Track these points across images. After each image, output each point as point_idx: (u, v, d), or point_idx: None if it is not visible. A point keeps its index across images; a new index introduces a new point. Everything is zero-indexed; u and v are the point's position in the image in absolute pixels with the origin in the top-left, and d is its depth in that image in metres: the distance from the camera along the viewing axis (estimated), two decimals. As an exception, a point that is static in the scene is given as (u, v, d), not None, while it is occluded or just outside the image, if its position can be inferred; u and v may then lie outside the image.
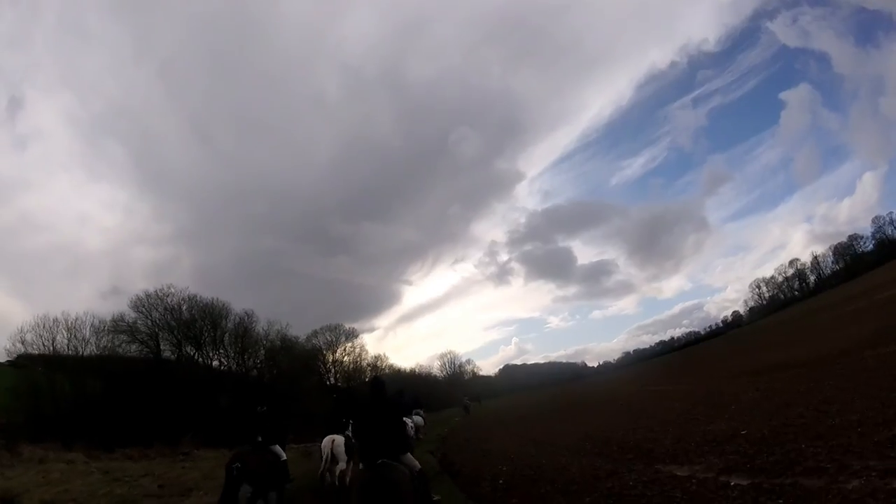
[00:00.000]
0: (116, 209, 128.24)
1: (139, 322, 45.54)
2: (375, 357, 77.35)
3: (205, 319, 49.92)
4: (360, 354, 71.71)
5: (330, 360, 66.59)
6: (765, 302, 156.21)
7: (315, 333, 67.00)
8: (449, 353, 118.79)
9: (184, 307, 48.57)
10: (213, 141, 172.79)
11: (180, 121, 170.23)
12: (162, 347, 46.47)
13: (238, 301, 56.38)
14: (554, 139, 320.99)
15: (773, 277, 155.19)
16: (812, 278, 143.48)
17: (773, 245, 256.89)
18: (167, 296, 47.97)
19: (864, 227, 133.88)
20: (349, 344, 69.16)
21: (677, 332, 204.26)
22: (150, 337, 45.52)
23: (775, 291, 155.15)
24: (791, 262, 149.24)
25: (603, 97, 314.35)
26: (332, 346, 67.24)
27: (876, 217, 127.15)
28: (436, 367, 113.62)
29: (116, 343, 43.26)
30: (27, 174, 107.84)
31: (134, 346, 44.74)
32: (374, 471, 7.24)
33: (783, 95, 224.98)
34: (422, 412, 33.88)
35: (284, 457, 12.05)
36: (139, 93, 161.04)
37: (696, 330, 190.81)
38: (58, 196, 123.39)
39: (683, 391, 26.75)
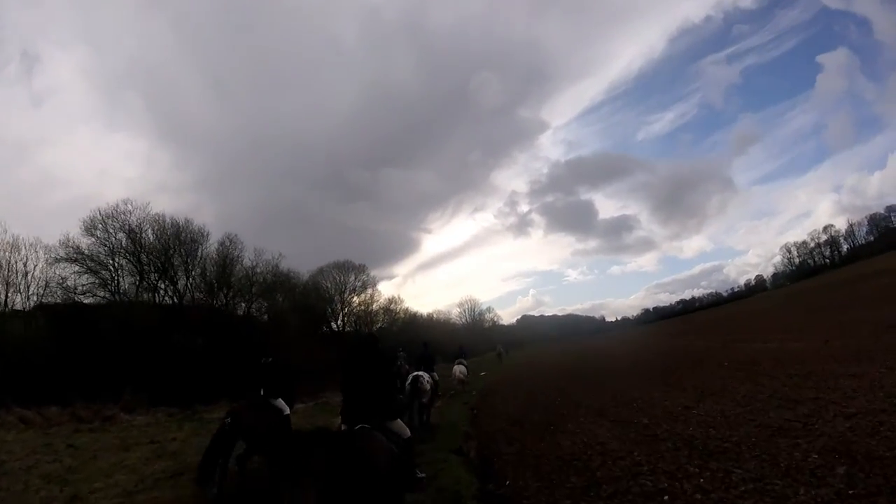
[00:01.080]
0: (137, 159, 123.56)
1: (93, 248, 36.20)
2: (389, 300, 69.69)
3: (175, 245, 40.42)
4: (371, 296, 62.58)
5: (338, 303, 58.36)
6: (794, 267, 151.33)
7: (321, 271, 58.09)
8: (469, 299, 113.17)
9: (147, 229, 38.78)
10: (230, 90, 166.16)
11: (198, 71, 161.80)
12: (121, 280, 37.32)
13: (261, 246, 47.44)
14: (580, 89, 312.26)
15: (804, 242, 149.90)
16: (845, 247, 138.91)
17: (799, 212, 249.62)
18: (125, 214, 37.79)
19: (850, 220, 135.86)
20: (359, 283, 60.58)
21: (696, 293, 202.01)
22: (102, 266, 36.38)
23: (805, 257, 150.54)
24: (825, 228, 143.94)
25: (633, 48, 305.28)
26: (341, 287, 59.03)
27: None
28: (454, 314, 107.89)
29: (63, 276, 34.26)
30: (46, 131, 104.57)
31: (85, 278, 35.64)
32: (348, 436, 6.44)
33: (820, 58, 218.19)
34: (465, 361, 31.07)
35: (287, 411, 11.03)
36: (155, 44, 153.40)
37: (717, 291, 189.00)
38: (78, 150, 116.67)
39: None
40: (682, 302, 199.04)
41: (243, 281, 44.72)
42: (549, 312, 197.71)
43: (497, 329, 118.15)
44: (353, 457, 5.74)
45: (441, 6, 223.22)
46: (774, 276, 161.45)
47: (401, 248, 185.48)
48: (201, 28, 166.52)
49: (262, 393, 10.96)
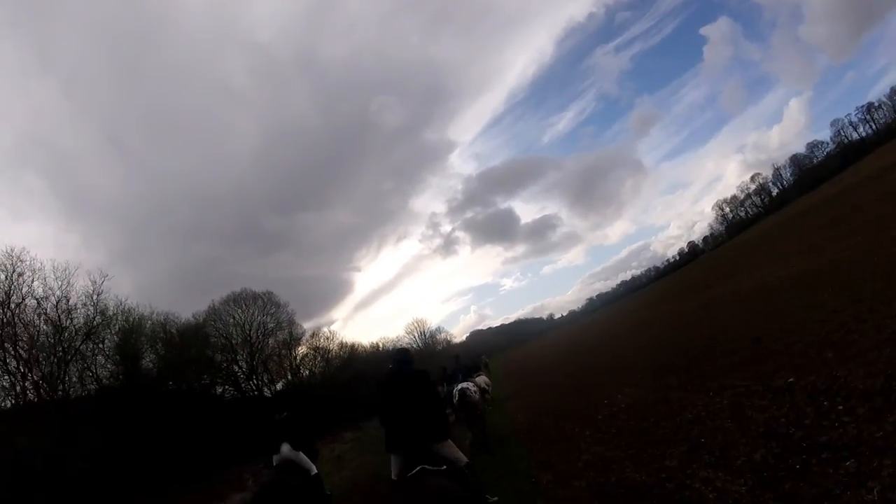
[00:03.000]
0: (47, 245, 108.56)
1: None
2: (315, 334, 50.15)
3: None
4: (290, 334, 44.97)
5: (242, 350, 40.05)
6: (727, 223, 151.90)
7: (212, 311, 40.39)
8: (417, 322, 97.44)
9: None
10: (129, 152, 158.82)
11: (93, 138, 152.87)
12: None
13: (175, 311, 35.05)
14: (481, 104, 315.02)
15: (734, 196, 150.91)
16: (775, 191, 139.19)
17: (710, 178, 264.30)
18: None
19: (796, 150, 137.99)
20: (271, 322, 43.14)
21: (628, 275, 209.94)
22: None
23: (736, 210, 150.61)
24: (753, 178, 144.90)
25: (525, 56, 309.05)
26: (246, 329, 41.16)
27: (834, 120, 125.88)
28: (405, 340, 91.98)
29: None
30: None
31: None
32: (413, 485, 5.07)
33: (704, 31, 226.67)
34: (483, 373, 24.74)
35: (315, 471, 9.01)
36: (47, 116, 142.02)
37: (645, 270, 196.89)
38: None
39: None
40: (623, 284, 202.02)
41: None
42: (494, 324, 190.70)
43: (453, 348, 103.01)
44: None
45: (331, 38, 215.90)
46: (705, 238, 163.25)
47: (333, 291, 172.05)
48: (92, 90, 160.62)
49: (282, 450, 8.66)
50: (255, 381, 37.46)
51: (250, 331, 38.78)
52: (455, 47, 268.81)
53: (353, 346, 53.79)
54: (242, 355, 37.29)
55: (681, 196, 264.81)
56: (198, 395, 32.18)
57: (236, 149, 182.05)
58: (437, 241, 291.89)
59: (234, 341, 37.36)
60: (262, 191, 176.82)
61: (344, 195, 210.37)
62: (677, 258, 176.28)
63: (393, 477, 6.06)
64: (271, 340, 40.67)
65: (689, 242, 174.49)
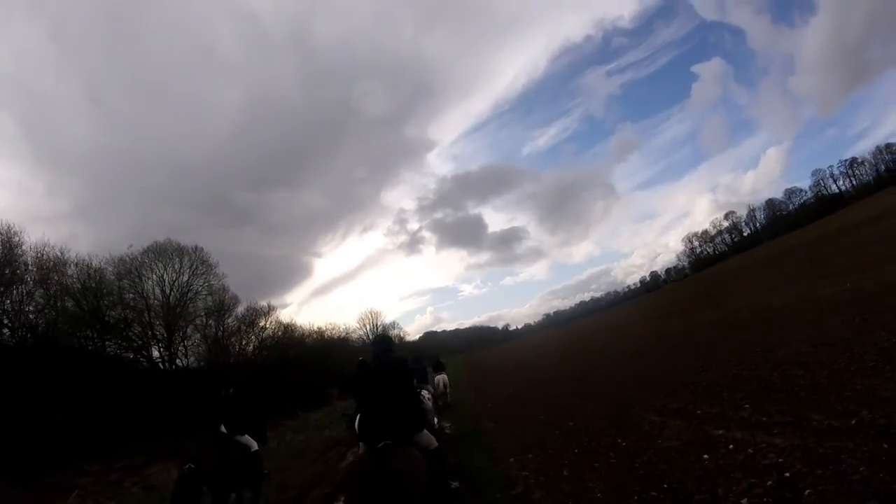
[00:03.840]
0: (11, 187, 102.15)
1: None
2: (251, 310, 42.98)
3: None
4: (223, 303, 38.20)
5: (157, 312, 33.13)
6: (693, 258, 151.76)
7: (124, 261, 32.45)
8: (371, 313, 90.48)
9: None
10: (108, 107, 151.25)
11: (74, 87, 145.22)
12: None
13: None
14: (466, 107, 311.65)
15: (705, 231, 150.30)
16: (746, 231, 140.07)
17: (679, 212, 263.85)
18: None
19: (765, 198, 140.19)
20: (201, 283, 37.19)
21: (586, 297, 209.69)
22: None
23: (705, 246, 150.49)
24: (727, 215, 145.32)
25: (516, 66, 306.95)
26: (167, 288, 35.14)
27: (815, 170, 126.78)
28: (355, 330, 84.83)
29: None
30: None
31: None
32: (377, 456, 5.03)
33: (695, 68, 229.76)
34: (444, 371, 23.53)
35: (255, 447, 9.39)
36: (30, 58, 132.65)
37: (605, 293, 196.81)
38: None
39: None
40: (582, 304, 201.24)
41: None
42: (449, 327, 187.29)
43: (404, 346, 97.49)
44: (388, 476, 4.63)
45: (327, 17, 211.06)
46: (667, 271, 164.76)
47: (293, 273, 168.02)
48: (79, 39, 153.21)
49: (223, 429, 9.01)
50: (168, 351, 31.11)
51: (170, 291, 32.62)
52: (448, 46, 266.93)
53: (291, 326, 47.32)
54: (159, 319, 30.95)
55: (648, 226, 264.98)
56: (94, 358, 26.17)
57: (215, 117, 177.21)
58: (403, 238, 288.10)
59: (150, 301, 30.88)
60: (236, 163, 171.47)
61: (316, 177, 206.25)
62: (637, 286, 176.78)
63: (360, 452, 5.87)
64: (196, 305, 34.65)
65: (652, 272, 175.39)
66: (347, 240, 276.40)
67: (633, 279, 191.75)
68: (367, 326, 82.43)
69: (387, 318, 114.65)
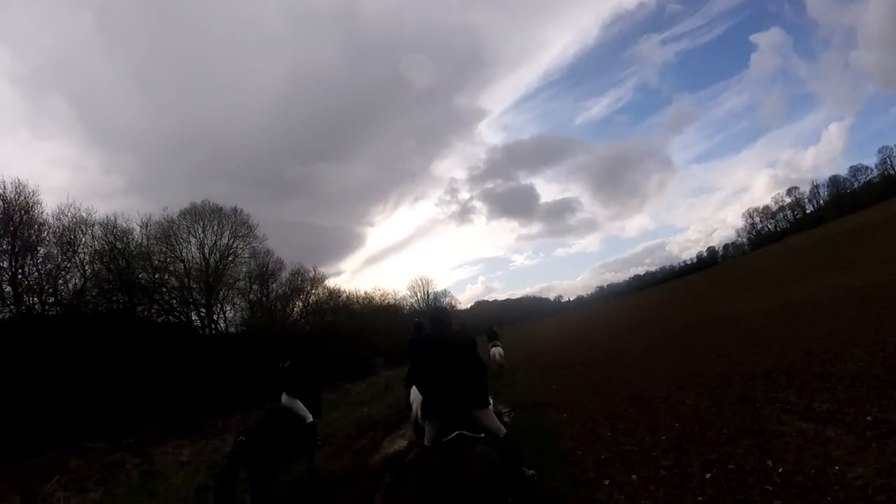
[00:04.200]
0: (66, 166, 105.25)
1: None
2: (295, 273, 42.00)
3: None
4: (268, 268, 37.42)
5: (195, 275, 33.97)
6: (754, 234, 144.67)
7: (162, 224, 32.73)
8: (421, 280, 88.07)
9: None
10: (158, 87, 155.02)
11: (123, 69, 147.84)
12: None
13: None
14: (517, 77, 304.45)
15: (766, 207, 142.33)
16: (809, 208, 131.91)
17: (737, 188, 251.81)
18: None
19: (827, 176, 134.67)
20: (243, 245, 36.27)
21: (640, 271, 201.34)
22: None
23: (766, 221, 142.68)
24: (789, 191, 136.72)
25: (568, 35, 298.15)
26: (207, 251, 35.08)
27: (882, 147, 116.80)
28: (405, 298, 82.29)
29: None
30: None
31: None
32: (447, 452, 4.45)
33: (754, 38, 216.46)
34: (499, 342, 23.13)
35: (310, 418, 9.63)
36: (78, 41, 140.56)
37: (660, 268, 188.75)
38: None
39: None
40: (636, 277, 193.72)
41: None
42: (500, 297, 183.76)
43: (455, 314, 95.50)
44: (462, 477, 4.00)
45: None
46: (725, 246, 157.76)
47: (345, 243, 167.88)
48: (124, 20, 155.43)
49: (283, 398, 9.54)
50: (207, 315, 29.91)
51: (210, 253, 31.16)
52: (496, 16, 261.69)
53: (335, 291, 45.75)
54: (198, 282, 29.65)
55: (705, 200, 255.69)
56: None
57: (264, 93, 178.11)
58: (454, 208, 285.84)
59: (188, 263, 29.70)
60: (286, 137, 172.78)
61: (367, 149, 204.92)
62: (694, 261, 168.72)
63: (426, 443, 5.24)
64: (238, 269, 33.22)
65: (709, 248, 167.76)
66: (399, 210, 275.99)
67: (688, 254, 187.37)
68: (418, 294, 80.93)
69: (438, 285, 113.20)
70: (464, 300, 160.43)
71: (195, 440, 18.18)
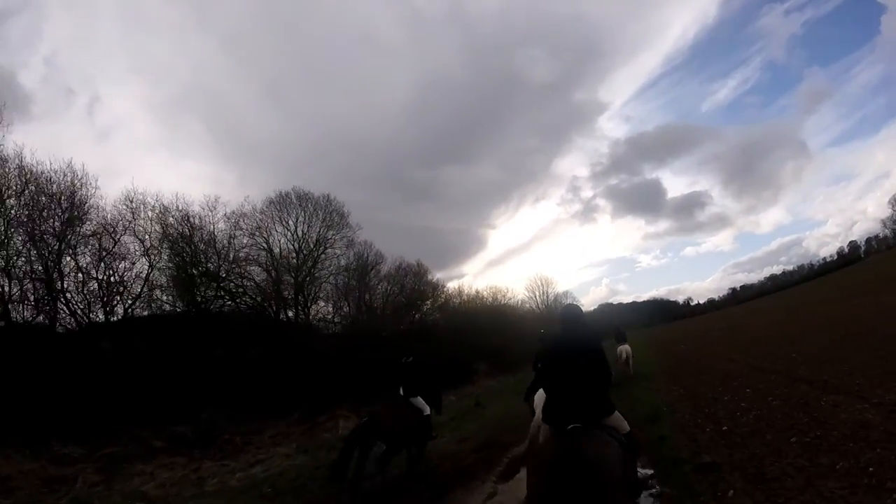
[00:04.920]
0: (204, 181, 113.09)
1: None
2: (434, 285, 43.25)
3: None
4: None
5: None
6: None
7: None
8: (540, 279, 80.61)
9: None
10: (287, 103, 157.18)
11: (251, 88, 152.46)
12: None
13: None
14: (636, 65, 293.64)
15: None
16: None
17: (877, 173, 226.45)
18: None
19: None
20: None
21: (775, 270, 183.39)
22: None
23: None
24: None
25: (685, 16, 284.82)
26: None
27: None
28: (523, 301, 75.69)
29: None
30: (114, 163, 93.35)
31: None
32: (568, 441, 4.43)
33: None
34: (626, 342, 21.97)
35: (427, 411, 10.13)
36: (209, 67, 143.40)
37: (797, 266, 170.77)
38: (146, 181, 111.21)
39: None
40: (772, 278, 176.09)
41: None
42: (625, 300, 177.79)
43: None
44: (582, 465, 4.05)
45: None
46: (868, 240, 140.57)
47: (467, 246, 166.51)
48: (248, 39, 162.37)
49: (401, 392, 10.03)
50: (296, 309, 27.44)
51: (300, 244, 28.62)
52: (610, 3, 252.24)
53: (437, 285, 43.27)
54: (288, 274, 27.30)
55: (843, 189, 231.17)
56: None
57: (387, 99, 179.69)
58: (577, 207, 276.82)
59: (275, 254, 27.29)
60: (411, 141, 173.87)
61: (488, 151, 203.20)
62: (834, 258, 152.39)
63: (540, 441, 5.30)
64: (332, 261, 30.54)
65: (850, 242, 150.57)
66: (520, 211, 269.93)
67: (827, 251, 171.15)
68: (537, 295, 75.76)
69: (558, 286, 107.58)
70: (587, 303, 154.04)
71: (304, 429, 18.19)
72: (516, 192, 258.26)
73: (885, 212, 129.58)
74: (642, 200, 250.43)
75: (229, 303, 24.36)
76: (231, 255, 24.74)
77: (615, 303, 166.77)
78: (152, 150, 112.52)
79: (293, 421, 18.82)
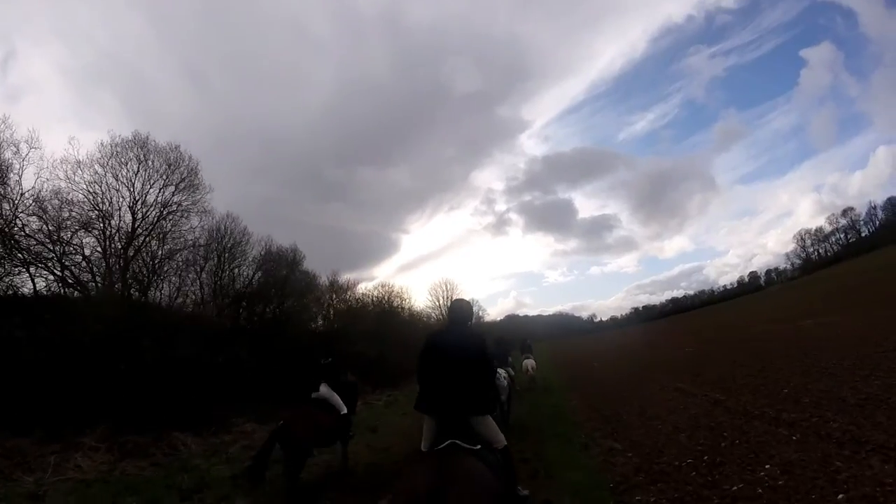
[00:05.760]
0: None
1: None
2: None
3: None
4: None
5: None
6: (803, 258, 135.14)
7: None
8: (445, 283, 75.40)
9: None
10: (206, 84, 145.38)
11: (173, 65, 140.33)
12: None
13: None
14: (561, 89, 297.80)
15: (819, 229, 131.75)
16: (864, 231, 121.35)
17: (780, 212, 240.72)
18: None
19: (873, 202, 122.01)
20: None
21: (676, 293, 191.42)
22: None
23: (817, 245, 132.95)
24: (844, 212, 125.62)
25: (615, 48, 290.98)
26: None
27: None
28: (425, 305, 70.21)
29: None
30: (22, 125, 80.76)
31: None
32: (441, 461, 4.22)
33: (804, 53, 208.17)
34: (532, 355, 22.24)
35: (345, 410, 10.25)
36: (131, 40, 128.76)
37: (697, 291, 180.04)
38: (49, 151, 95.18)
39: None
40: (673, 300, 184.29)
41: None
42: (531, 312, 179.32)
43: (483, 326, 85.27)
44: (453, 487, 3.78)
45: (420, 2, 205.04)
46: (768, 272, 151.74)
47: (379, 249, 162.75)
48: (174, 16, 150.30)
49: (321, 389, 10.08)
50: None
51: (140, 207, 21.40)
52: (543, 29, 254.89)
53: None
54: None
55: (747, 224, 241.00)
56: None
57: (309, 96, 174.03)
58: (490, 219, 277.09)
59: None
60: (328, 140, 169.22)
61: (407, 156, 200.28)
62: (734, 286, 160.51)
63: (422, 448, 5.08)
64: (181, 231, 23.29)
65: (750, 273, 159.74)
66: (435, 218, 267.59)
67: (726, 279, 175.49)
68: (441, 301, 71.13)
69: (463, 290, 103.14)
70: (494, 313, 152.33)
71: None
72: (432, 199, 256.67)
73: (785, 247, 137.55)
74: (554, 218, 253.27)
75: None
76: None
77: (521, 315, 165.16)
78: (63, 118, 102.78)
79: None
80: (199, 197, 23.14)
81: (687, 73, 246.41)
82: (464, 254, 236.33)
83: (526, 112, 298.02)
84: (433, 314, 63.81)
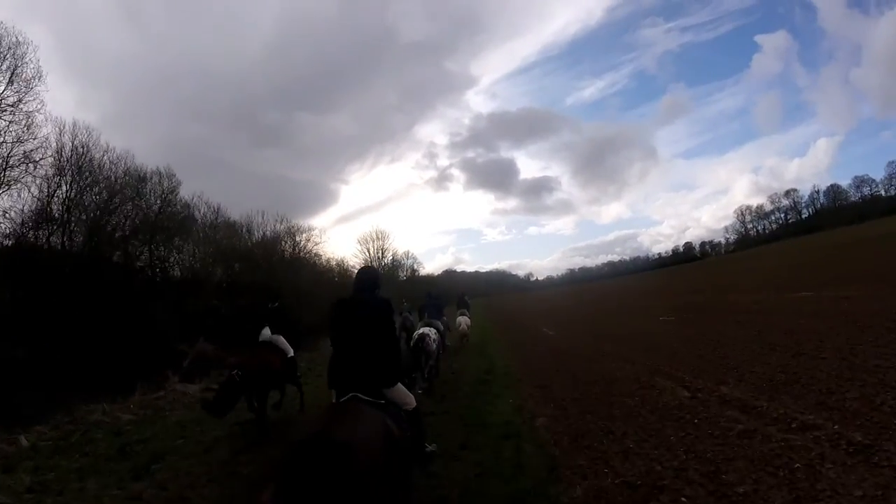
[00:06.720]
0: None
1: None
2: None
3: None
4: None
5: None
6: (743, 232, 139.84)
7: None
8: (376, 233, 69.92)
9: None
10: (142, 19, 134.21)
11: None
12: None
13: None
14: (513, 48, 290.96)
15: (760, 206, 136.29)
16: (805, 213, 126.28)
17: (716, 188, 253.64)
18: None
19: (807, 190, 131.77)
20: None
21: (611, 258, 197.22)
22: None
23: (756, 222, 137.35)
24: (787, 193, 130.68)
25: (570, 12, 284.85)
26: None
27: (890, 162, 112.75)
28: (355, 255, 65.61)
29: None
30: None
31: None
32: (342, 409, 4.15)
33: (759, 38, 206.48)
34: (468, 311, 21.73)
35: (291, 352, 10.68)
36: None
37: (631, 258, 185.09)
38: None
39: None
40: (610, 264, 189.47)
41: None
42: (468, 269, 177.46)
43: (418, 280, 79.33)
44: (330, 453, 3.34)
45: None
46: (703, 244, 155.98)
47: (318, 198, 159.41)
48: None
49: (267, 332, 10.43)
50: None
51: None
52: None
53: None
54: None
55: (683, 197, 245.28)
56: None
57: (249, 34, 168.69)
58: (431, 173, 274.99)
59: None
60: (267, 81, 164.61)
61: (348, 102, 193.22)
62: (668, 254, 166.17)
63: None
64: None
65: (686, 244, 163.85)
66: (375, 169, 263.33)
67: (659, 248, 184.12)
68: (371, 250, 65.07)
69: (396, 241, 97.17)
70: (432, 268, 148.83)
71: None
72: (373, 149, 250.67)
73: (719, 223, 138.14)
74: (495, 177, 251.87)
75: None
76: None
77: (459, 270, 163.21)
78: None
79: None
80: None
81: (641, 44, 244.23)
82: (404, 207, 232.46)
83: (475, 68, 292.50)
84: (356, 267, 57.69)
